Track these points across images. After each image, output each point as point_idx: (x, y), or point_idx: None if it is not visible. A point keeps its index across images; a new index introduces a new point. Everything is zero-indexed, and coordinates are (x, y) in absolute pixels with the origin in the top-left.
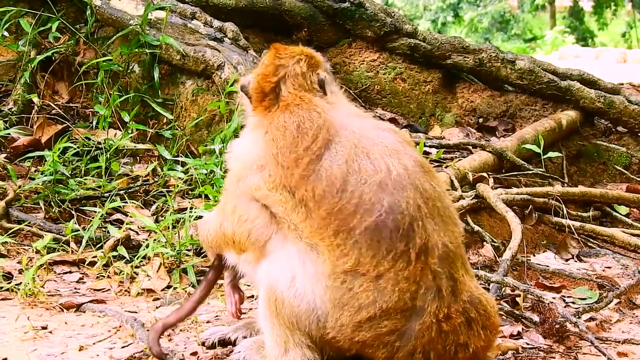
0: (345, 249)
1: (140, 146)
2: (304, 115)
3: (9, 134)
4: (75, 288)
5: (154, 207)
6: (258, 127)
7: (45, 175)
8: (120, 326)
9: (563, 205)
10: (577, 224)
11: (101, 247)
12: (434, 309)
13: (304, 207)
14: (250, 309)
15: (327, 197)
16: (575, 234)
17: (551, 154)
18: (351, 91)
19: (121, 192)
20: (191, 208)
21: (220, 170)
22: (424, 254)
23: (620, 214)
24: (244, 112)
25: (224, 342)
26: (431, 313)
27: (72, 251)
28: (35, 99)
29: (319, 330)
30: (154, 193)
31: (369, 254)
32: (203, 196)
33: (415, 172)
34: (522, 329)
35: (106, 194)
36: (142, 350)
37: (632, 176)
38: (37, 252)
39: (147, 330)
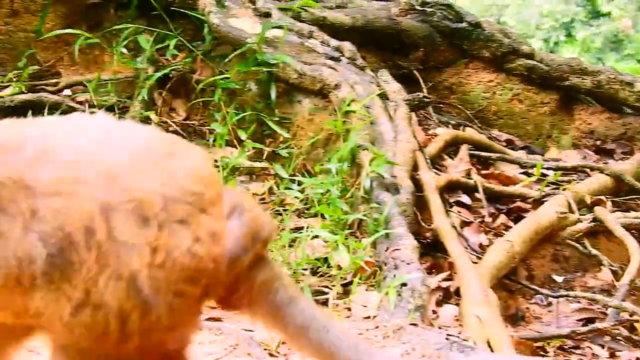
0: (47, 299)
1: (257, 164)
2: None
3: None
4: None
5: None
6: None
7: None
8: (236, 344)
9: None
10: None
11: None
12: (136, 260)
13: None
14: None
15: None
16: None
17: None
18: (467, 112)
19: None
20: (307, 227)
21: (337, 190)
22: (91, 237)
23: None
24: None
25: None
26: (139, 265)
27: None
28: (153, 116)
29: None
30: (270, 212)
31: (66, 285)
32: (319, 215)
33: (36, 178)
34: None
35: None
36: None
37: None
38: None
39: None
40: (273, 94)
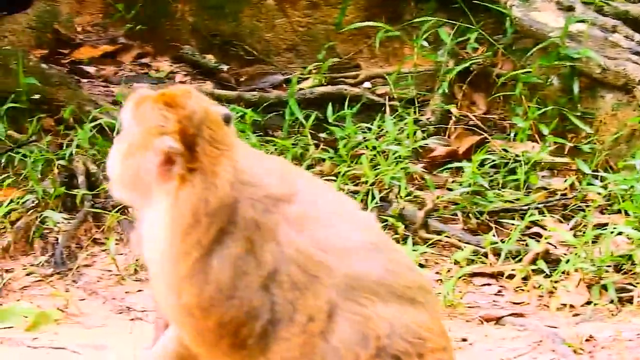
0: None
1: (558, 159)
2: (201, 195)
3: (427, 144)
4: (494, 301)
5: (572, 221)
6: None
7: (464, 187)
8: (541, 341)
9: None
10: None
11: (520, 260)
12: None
13: (192, 317)
14: None
15: (215, 306)
16: None
17: None
18: None
19: (539, 205)
20: (610, 224)
21: None
22: (311, 322)
23: None
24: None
25: None
26: None
27: (491, 264)
28: (454, 110)
29: None
30: (572, 207)
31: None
32: (622, 212)
33: (289, 238)
34: None
35: (524, 207)
36: None
37: None
38: (456, 263)
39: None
40: (576, 89)
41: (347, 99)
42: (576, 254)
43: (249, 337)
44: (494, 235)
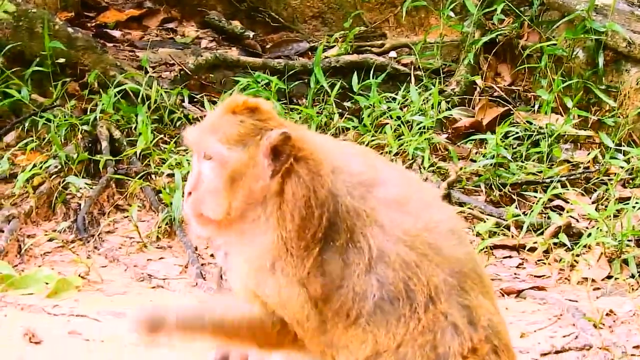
0: (359, 337)
1: (582, 132)
2: (310, 184)
3: (451, 114)
4: (515, 273)
5: (594, 195)
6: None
7: (487, 158)
8: (561, 315)
9: None
10: None
11: (542, 233)
12: (457, 347)
13: (316, 308)
14: None
15: (330, 296)
16: None
17: None
18: None
19: (562, 178)
20: (633, 198)
21: None
22: (430, 303)
23: None
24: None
25: None
26: (456, 353)
27: (512, 236)
28: (479, 81)
29: None
30: (595, 181)
31: (382, 332)
32: None
33: (393, 222)
34: None
35: (547, 180)
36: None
37: None
38: (478, 235)
39: None
40: (601, 62)
41: (373, 68)
42: (598, 227)
43: (360, 317)
44: (516, 208)
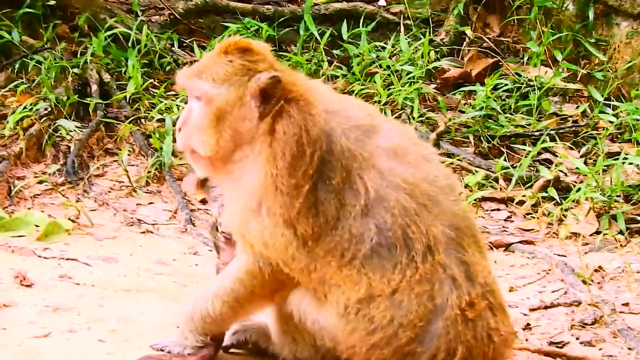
0: (353, 278)
1: (571, 86)
2: (301, 123)
3: (440, 64)
4: (504, 226)
5: (583, 149)
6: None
7: (476, 110)
8: (549, 269)
9: None
10: None
11: (530, 187)
12: (455, 300)
13: (304, 247)
14: None
15: (323, 236)
16: None
17: None
18: None
19: (551, 131)
20: (622, 153)
21: None
22: (429, 253)
23: None
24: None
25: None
26: (453, 305)
27: (501, 188)
28: (468, 31)
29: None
30: (583, 135)
31: (376, 276)
32: (634, 142)
33: (392, 170)
34: None
35: (536, 133)
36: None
37: None
38: (467, 187)
39: None
40: (591, 15)
41: (362, 16)
42: (587, 183)
43: (355, 259)
44: (505, 160)
